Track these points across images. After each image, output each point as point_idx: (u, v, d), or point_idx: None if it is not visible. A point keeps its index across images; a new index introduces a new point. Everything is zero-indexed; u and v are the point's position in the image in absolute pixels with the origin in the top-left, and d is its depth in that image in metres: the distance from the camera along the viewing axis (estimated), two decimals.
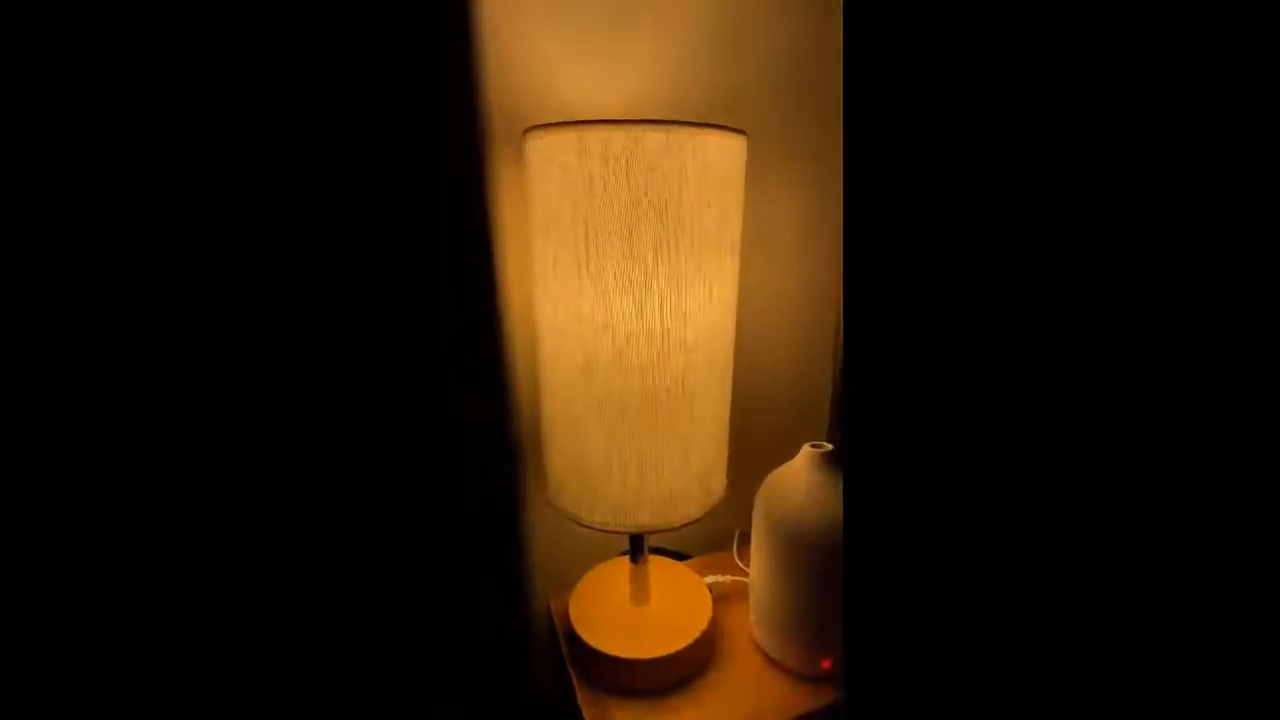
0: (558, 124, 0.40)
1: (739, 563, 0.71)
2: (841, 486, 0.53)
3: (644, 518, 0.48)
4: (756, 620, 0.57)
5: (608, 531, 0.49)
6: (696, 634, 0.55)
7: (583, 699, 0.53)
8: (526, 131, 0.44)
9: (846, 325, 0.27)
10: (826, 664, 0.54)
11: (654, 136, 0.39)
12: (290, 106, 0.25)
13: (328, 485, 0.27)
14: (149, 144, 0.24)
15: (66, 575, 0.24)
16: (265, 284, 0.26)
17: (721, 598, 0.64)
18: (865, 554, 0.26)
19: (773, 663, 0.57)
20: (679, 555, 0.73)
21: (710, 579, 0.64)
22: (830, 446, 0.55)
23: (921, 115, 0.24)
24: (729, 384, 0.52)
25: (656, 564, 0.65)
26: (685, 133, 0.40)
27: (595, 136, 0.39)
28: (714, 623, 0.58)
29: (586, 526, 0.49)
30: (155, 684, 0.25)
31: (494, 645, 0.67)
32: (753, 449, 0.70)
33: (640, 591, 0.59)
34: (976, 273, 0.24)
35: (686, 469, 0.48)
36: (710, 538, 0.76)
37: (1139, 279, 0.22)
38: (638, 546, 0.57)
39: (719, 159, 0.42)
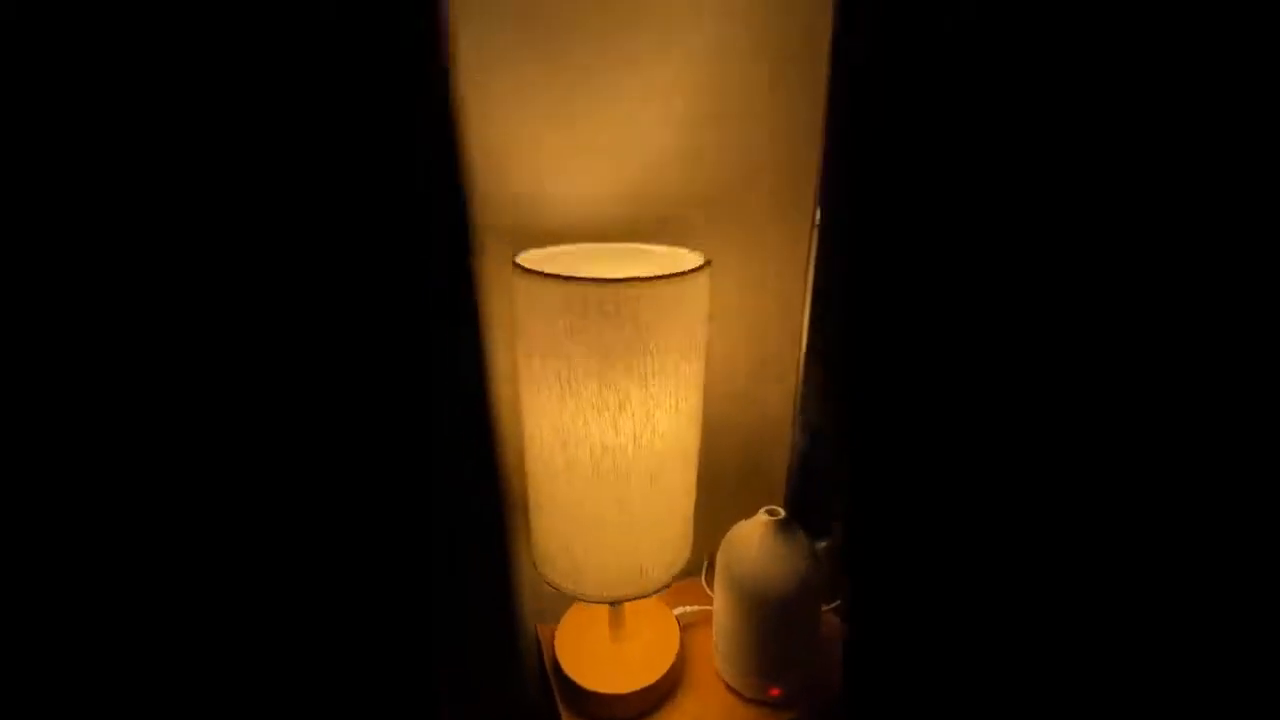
0: (543, 275, 0.45)
1: (706, 588, 0.80)
2: (793, 549, 0.61)
3: (619, 590, 0.56)
4: (718, 653, 0.67)
5: (589, 601, 0.57)
6: (665, 669, 0.64)
7: None
8: (515, 267, 0.48)
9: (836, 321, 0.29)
10: (775, 691, 0.64)
11: (630, 293, 0.44)
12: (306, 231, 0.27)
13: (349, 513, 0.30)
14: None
15: (72, 578, 0.24)
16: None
17: (689, 625, 0.73)
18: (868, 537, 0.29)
19: (730, 689, 0.66)
20: None
21: (679, 610, 0.73)
22: (783, 513, 0.63)
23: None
24: (694, 470, 0.59)
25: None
26: (659, 286, 0.45)
27: (578, 294, 0.44)
28: (681, 654, 0.68)
29: (570, 594, 0.57)
30: (162, 684, 0.25)
31: (488, 668, 0.76)
32: (717, 503, 0.78)
33: (617, 628, 0.68)
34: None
35: (656, 549, 0.56)
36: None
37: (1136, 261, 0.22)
38: (615, 603, 0.65)
39: (690, 298, 0.47)
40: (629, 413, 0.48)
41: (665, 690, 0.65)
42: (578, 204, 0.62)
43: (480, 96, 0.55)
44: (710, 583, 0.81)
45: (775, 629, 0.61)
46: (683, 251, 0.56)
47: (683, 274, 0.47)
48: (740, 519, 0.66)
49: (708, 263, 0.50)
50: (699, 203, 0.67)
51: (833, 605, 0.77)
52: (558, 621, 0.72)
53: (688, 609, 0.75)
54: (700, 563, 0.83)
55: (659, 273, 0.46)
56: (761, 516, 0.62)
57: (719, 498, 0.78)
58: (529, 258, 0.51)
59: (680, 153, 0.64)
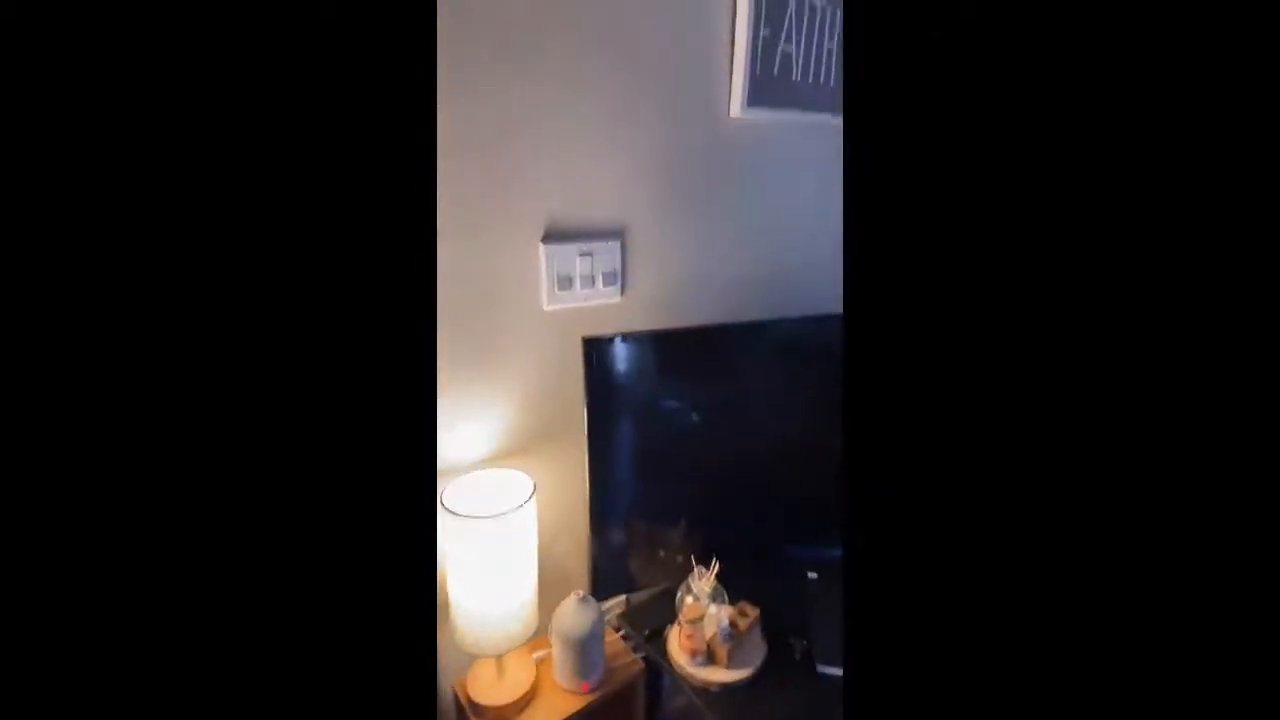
0: (459, 514, 1.05)
1: (548, 639, 1.40)
2: (588, 612, 1.24)
3: (501, 647, 1.15)
4: (555, 669, 1.27)
5: (486, 654, 1.15)
6: (528, 686, 1.23)
7: None
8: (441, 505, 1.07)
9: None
10: (585, 686, 1.26)
11: (504, 519, 1.05)
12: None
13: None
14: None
15: (77, 582, 0.24)
16: None
17: (544, 660, 1.33)
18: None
19: (563, 688, 1.27)
20: None
21: (535, 655, 1.33)
22: (585, 593, 1.26)
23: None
24: (535, 581, 1.20)
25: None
26: (516, 512, 1.07)
27: (484, 525, 1.04)
28: (536, 676, 1.27)
29: (475, 653, 1.15)
30: (161, 686, 0.25)
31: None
32: (549, 592, 1.39)
33: (500, 670, 1.25)
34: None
35: (517, 624, 1.16)
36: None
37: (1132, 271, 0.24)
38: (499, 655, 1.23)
39: (525, 519, 1.10)
40: (507, 569, 1.09)
41: (530, 697, 1.24)
42: (468, 442, 1.22)
43: None
44: (549, 634, 1.41)
45: (581, 654, 1.24)
46: (525, 478, 1.18)
47: (521, 504, 1.09)
48: (561, 598, 1.28)
49: (535, 490, 1.13)
50: (534, 437, 1.31)
51: (620, 632, 1.41)
52: (467, 673, 1.27)
53: (540, 653, 1.34)
54: (544, 625, 1.44)
55: (514, 494, 1.08)
56: (573, 597, 1.25)
57: (550, 589, 1.41)
58: (450, 496, 1.10)
59: (520, 418, 1.28)
